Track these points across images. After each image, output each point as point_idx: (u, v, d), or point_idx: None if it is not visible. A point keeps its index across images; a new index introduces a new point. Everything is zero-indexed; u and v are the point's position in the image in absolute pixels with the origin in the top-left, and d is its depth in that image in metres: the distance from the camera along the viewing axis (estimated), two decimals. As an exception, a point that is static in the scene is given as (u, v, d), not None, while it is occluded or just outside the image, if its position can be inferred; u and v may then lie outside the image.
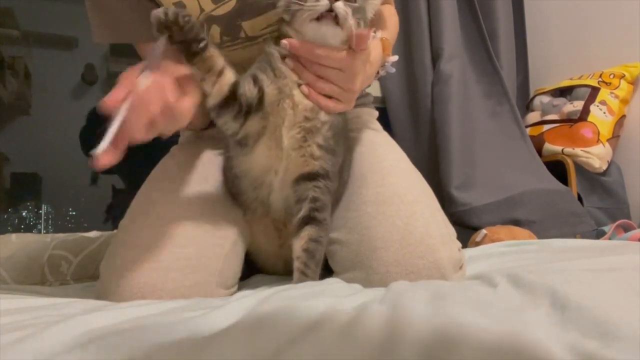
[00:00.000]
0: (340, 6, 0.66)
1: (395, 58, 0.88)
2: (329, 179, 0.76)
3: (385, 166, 0.84)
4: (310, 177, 0.75)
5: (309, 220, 0.74)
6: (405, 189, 0.80)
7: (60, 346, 0.37)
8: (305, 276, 0.71)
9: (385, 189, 0.79)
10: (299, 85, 0.73)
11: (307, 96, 0.73)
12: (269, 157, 0.76)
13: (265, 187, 0.80)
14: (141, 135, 0.58)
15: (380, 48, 0.84)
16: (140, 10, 0.83)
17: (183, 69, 0.65)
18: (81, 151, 2.78)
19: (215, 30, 0.84)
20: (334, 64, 0.72)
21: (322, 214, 0.75)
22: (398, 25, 1.00)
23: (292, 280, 0.72)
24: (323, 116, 0.74)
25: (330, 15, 0.67)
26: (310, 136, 0.74)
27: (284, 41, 0.71)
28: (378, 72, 0.88)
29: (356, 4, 0.70)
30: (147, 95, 0.57)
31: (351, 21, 0.68)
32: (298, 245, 0.74)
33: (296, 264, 0.73)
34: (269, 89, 0.72)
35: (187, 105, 0.63)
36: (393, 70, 0.90)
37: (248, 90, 0.71)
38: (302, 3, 0.68)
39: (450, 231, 0.81)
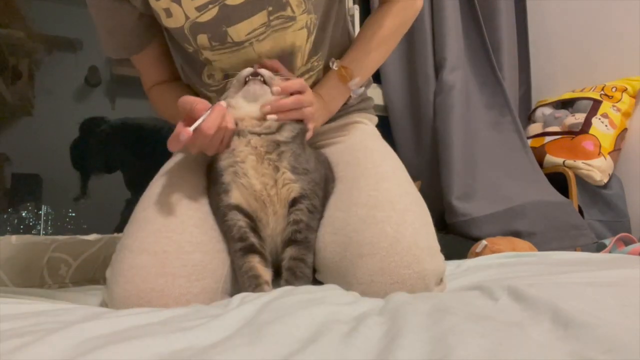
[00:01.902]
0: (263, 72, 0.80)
1: (356, 81, 0.94)
2: (309, 199, 0.79)
3: (380, 172, 0.84)
4: (293, 202, 0.79)
5: (290, 242, 0.78)
6: (399, 197, 0.79)
7: (60, 355, 0.36)
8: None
9: (378, 193, 0.79)
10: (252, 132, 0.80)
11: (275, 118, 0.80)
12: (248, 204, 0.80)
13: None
14: (212, 130, 0.71)
15: (334, 79, 0.94)
16: (140, 24, 0.90)
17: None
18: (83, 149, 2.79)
19: (203, 38, 0.86)
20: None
21: (302, 234, 0.78)
22: (407, 19, 1.00)
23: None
24: (281, 139, 0.79)
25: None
26: (279, 163, 0.78)
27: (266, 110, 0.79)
28: (350, 97, 0.97)
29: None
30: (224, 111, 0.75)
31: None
32: (283, 263, 0.77)
33: (282, 280, 0.76)
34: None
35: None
36: (360, 91, 0.97)
37: None
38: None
39: (437, 245, 0.80)
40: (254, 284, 0.74)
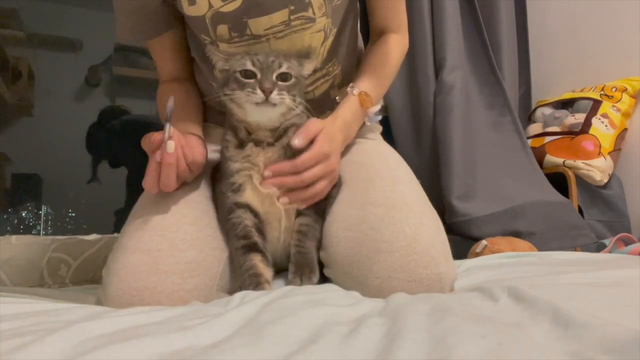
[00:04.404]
0: (274, 98, 0.75)
1: (376, 108, 0.94)
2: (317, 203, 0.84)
3: (395, 175, 0.85)
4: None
5: (298, 214, 0.83)
6: (414, 200, 0.81)
7: (60, 355, 0.36)
8: (301, 248, 0.80)
9: (395, 194, 0.80)
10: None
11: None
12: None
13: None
14: (173, 187, 0.76)
15: (356, 105, 0.91)
16: (161, 10, 0.90)
17: (190, 128, 0.86)
18: (84, 149, 2.80)
19: (223, 28, 0.86)
20: (315, 163, 0.80)
21: (308, 227, 0.83)
22: (404, 53, 1.03)
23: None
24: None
25: (267, 102, 0.76)
26: None
27: (267, 172, 0.79)
28: (364, 123, 0.96)
29: (291, 82, 0.79)
30: (173, 158, 0.73)
31: (287, 101, 0.77)
32: (293, 229, 0.83)
33: (292, 244, 0.81)
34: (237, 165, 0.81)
35: (200, 159, 0.80)
36: (378, 118, 0.97)
37: None
38: (236, 93, 0.76)
39: (450, 251, 0.81)
40: (255, 283, 0.74)
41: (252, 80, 0.76)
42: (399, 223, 0.75)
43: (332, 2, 0.87)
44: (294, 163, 0.78)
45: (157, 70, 1.02)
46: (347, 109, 0.90)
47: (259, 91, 0.75)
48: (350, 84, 0.93)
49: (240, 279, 0.77)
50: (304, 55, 0.90)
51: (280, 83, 0.77)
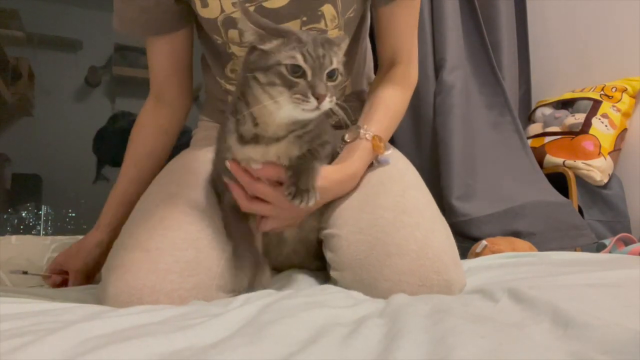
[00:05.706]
0: (325, 105, 0.67)
1: (389, 152, 0.88)
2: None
3: (406, 180, 0.85)
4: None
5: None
6: (425, 205, 0.81)
7: (60, 355, 0.37)
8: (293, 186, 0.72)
9: (406, 199, 0.80)
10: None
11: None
12: None
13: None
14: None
15: (369, 150, 0.84)
16: (173, 9, 0.89)
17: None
18: (84, 149, 2.82)
19: (234, 33, 0.87)
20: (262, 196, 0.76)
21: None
22: (413, 88, 0.98)
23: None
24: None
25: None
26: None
27: (227, 163, 0.75)
28: (372, 164, 0.88)
29: (338, 81, 0.70)
30: None
31: (332, 104, 0.68)
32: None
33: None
34: None
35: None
36: (388, 162, 0.88)
37: None
38: (278, 90, 0.67)
39: (459, 259, 0.80)
40: (248, 242, 0.78)
41: (301, 81, 0.66)
42: (409, 227, 0.75)
43: (345, 15, 0.86)
44: (251, 173, 0.75)
45: (151, 74, 1.00)
46: (359, 158, 0.83)
47: (312, 99, 0.65)
48: (364, 126, 0.85)
49: (231, 238, 0.78)
50: None
51: (329, 84, 0.68)
